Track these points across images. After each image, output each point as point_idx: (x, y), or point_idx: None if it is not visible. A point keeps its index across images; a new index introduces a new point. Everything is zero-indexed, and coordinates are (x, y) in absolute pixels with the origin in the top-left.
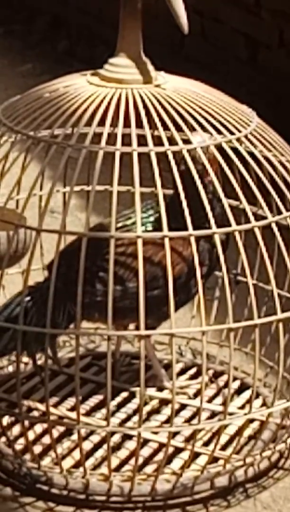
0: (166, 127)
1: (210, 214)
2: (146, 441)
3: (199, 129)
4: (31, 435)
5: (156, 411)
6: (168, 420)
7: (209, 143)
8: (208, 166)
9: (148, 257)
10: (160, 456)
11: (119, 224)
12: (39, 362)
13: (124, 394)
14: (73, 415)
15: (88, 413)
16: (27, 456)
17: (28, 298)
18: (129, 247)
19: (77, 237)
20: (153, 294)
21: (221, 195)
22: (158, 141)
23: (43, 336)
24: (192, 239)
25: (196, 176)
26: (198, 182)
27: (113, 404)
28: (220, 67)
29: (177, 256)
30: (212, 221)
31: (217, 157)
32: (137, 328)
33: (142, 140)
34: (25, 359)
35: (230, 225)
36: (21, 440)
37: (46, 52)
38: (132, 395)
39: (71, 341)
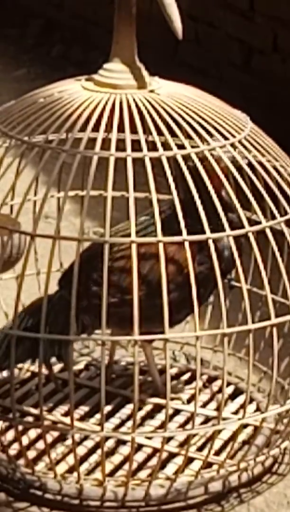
0: (160, 132)
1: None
2: (140, 446)
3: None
4: (25, 440)
5: (150, 416)
6: (162, 425)
7: (203, 149)
8: (219, 171)
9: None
10: (154, 461)
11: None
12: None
13: (118, 399)
14: (67, 420)
15: (82, 418)
16: (21, 461)
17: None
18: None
19: (85, 249)
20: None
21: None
22: (152, 146)
23: (56, 345)
24: (186, 244)
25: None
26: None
27: (107, 409)
28: (214, 72)
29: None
30: (205, 226)
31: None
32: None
33: (136, 145)
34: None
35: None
36: (15, 445)
37: (41, 56)
38: (126, 400)
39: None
